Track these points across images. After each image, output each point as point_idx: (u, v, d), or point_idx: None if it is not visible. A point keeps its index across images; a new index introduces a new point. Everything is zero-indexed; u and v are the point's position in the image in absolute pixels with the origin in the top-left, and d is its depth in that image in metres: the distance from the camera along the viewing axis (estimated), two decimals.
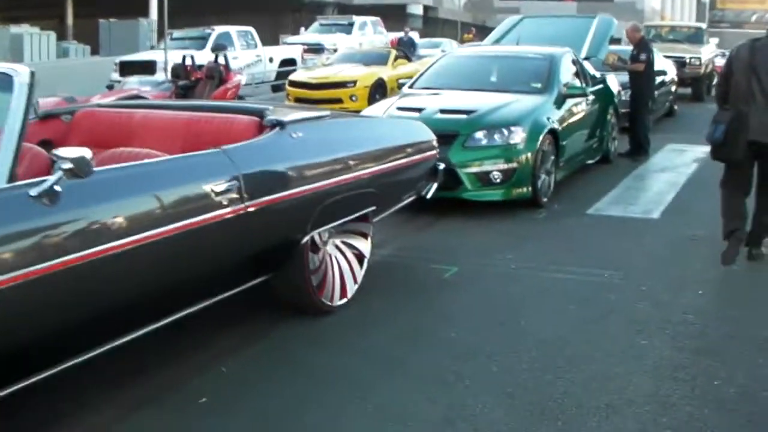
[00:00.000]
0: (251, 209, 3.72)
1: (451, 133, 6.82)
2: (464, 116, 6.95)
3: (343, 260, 4.72)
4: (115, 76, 15.14)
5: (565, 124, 7.48)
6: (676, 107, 13.63)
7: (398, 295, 4.89)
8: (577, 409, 3.46)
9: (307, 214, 4.12)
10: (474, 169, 6.77)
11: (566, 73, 8.00)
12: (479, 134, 6.82)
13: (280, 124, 4.10)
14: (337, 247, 4.71)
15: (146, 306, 3.45)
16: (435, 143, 5.58)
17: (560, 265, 5.49)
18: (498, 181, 6.78)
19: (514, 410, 3.47)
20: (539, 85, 7.63)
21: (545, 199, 7.18)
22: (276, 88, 17.49)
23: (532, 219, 6.83)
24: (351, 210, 4.59)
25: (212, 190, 3.55)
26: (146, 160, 3.60)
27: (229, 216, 3.60)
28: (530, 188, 6.91)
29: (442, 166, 5.65)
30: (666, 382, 3.72)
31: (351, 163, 4.48)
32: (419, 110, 7.15)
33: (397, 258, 5.69)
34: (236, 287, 3.97)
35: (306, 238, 4.18)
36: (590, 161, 8.61)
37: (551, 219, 6.83)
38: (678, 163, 9.26)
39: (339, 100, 13.73)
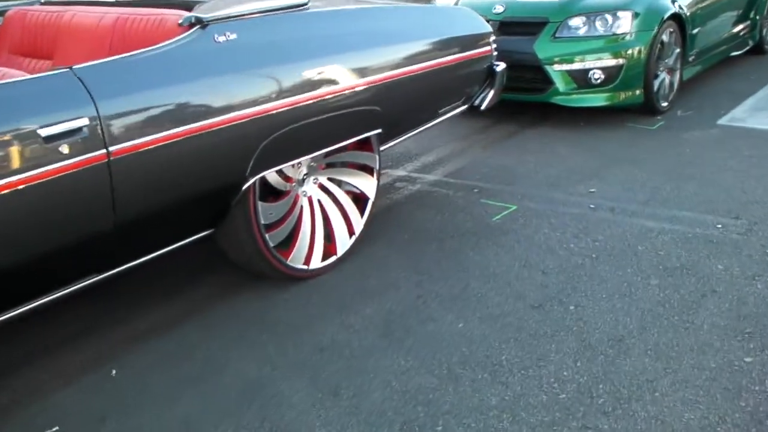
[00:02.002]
0: (119, 156, 2.33)
1: (538, 21, 5.10)
2: None
3: (331, 206, 3.30)
4: None
5: (697, 8, 5.51)
6: None
7: (414, 250, 3.43)
8: None
9: (240, 153, 2.70)
10: (568, 67, 5.04)
11: None
12: (575, 21, 5.03)
13: (199, 23, 2.64)
14: (322, 187, 3.27)
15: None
16: (490, 37, 3.93)
17: (659, 205, 3.80)
18: (599, 81, 5.00)
19: None
20: None
21: (665, 104, 5.35)
22: None
23: (642, 131, 5.05)
24: (334, 137, 3.12)
25: (39, 134, 2.17)
26: None
27: (74, 170, 2.24)
28: (643, 90, 5.10)
29: (501, 66, 3.99)
30: None
31: (325, 73, 2.98)
32: None
33: (443, 188, 4.18)
34: (155, 250, 2.67)
35: (248, 184, 2.77)
36: (736, 53, 6.52)
37: (667, 132, 5.01)
38: None
39: None
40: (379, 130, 3.34)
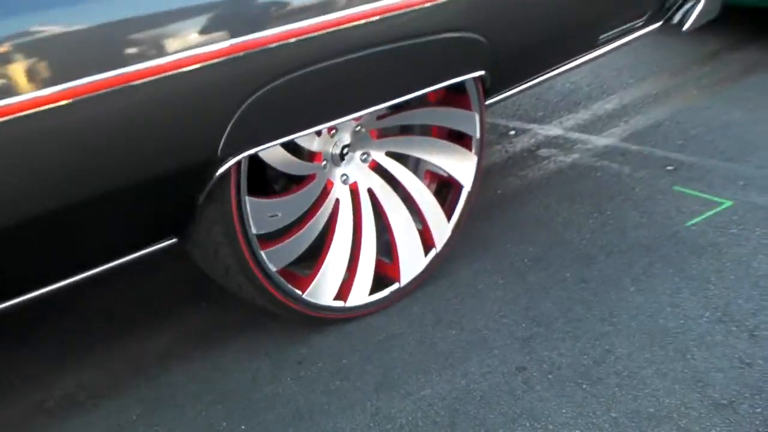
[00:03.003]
0: None
1: None
2: None
3: (393, 200, 2.71)
4: None
5: None
6: None
7: (536, 279, 2.82)
8: None
9: (201, 119, 2.16)
10: None
11: None
12: None
13: None
14: (378, 168, 2.69)
15: None
16: None
17: None
18: None
19: None
20: None
21: None
22: None
23: None
24: (395, 86, 2.51)
25: None
26: None
27: None
28: None
29: None
30: None
31: None
32: None
33: (615, 160, 3.53)
34: (60, 276, 2.21)
35: (222, 170, 2.23)
36: None
37: None
38: None
39: None
40: (482, 72, 2.68)
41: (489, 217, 3.08)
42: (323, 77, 2.27)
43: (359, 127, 2.60)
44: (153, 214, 2.24)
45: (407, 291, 2.73)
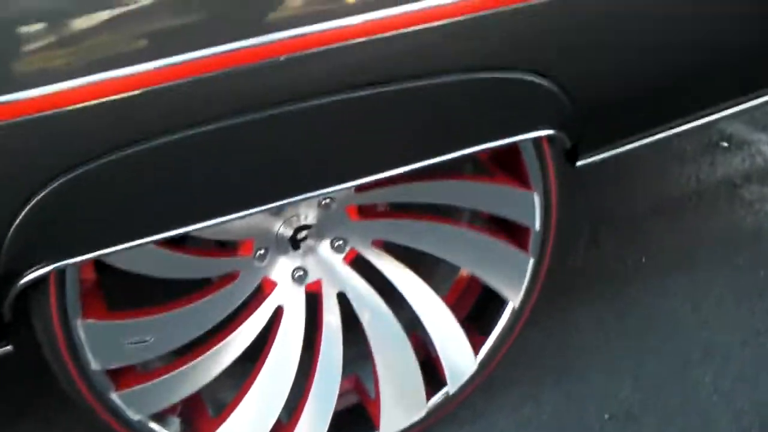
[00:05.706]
0: None
1: None
2: None
3: (381, 316, 1.75)
4: None
5: None
6: None
7: None
8: None
9: None
10: None
11: None
12: None
13: None
14: (362, 263, 1.73)
15: None
16: None
17: None
18: None
19: None
20: None
21: None
22: None
23: None
24: (386, 152, 1.53)
25: None
26: None
27: None
28: None
29: None
30: None
31: None
32: None
33: None
34: None
35: (23, 282, 1.39)
36: None
37: None
38: None
39: None
40: (550, 132, 1.61)
41: (602, 310, 2.01)
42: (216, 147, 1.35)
43: (327, 200, 1.62)
44: None
45: None
